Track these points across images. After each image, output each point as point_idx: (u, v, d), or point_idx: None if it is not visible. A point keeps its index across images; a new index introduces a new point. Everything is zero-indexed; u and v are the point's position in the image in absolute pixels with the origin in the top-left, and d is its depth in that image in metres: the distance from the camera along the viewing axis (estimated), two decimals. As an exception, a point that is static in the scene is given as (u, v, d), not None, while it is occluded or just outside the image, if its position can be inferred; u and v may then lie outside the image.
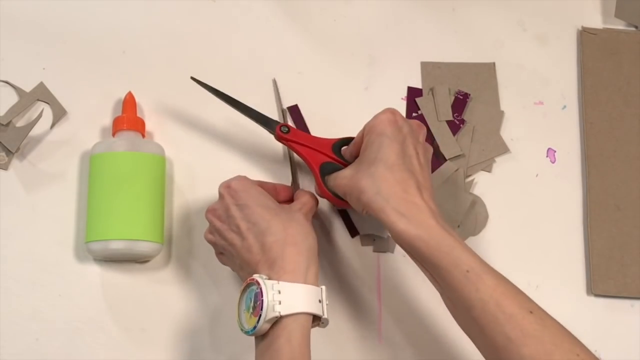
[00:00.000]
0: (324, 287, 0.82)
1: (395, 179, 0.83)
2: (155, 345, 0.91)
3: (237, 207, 0.85)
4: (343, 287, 0.95)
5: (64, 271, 0.92)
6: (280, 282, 0.79)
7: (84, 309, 0.91)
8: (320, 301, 0.81)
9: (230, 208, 0.86)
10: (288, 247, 0.82)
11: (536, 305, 0.78)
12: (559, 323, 0.78)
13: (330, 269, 0.95)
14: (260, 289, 0.78)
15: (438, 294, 0.95)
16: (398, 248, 0.97)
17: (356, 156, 0.89)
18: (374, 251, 0.97)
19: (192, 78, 0.94)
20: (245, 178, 0.88)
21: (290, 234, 0.82)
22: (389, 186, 0.82)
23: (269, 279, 0.80)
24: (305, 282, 0.80)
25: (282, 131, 0.92)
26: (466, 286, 0.78)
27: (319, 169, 0.91)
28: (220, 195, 0.87)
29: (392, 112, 0.87)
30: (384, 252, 0.97)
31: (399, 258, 0.97)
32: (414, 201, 0.82)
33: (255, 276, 0.80)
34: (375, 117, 0.87)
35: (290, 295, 0.79)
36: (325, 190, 0.90)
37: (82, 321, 0.91)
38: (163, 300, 0.92)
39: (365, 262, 0.96)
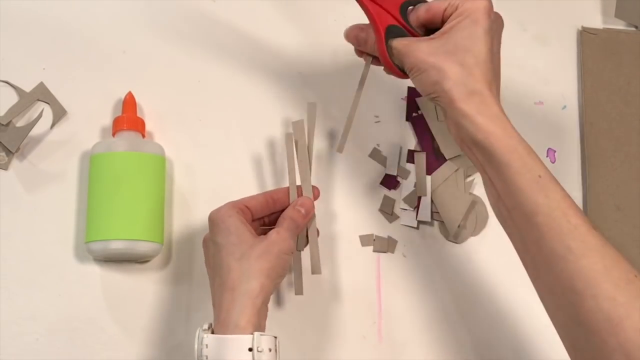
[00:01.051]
0: (257, 334, 0.78)
1: (484, 77, 0.80)
2: (155, 345, 0.91)
3: (212, 242, 0.85)
4: (343, 287, 0.95)
5: (64, 271, 0.92)
6: (208, 336, 0.79)
7: (84, 309, 0.91)
8: (250, 349, 0.77)
9: (208, 242, 0.86)
10: (225, 294, 0.81)
11: (596, 226, 0.77)
12: (614, 247, 0.76)
13: (331, 269, 0.95)
14: (195, 340, 0.80)
15: (438, 294, 0.96)
16: (398, 248, 0.97)
17: (426, 25, 0.85)
18: (374, 251, 0.97)
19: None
20: (226, 209, 0.85)
21: (231, 277, 0.81)
22: (475, 81, 0.79)
23: (208, 327, 0.80)
24: (234, 332, 0.78)
25: None
26: (535, 191, 0.77)
27: (384, 32, 0.83)
28: (206, 239, 0.88)
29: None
30: (384, 252, 0.97)
31: (399, 258, 0.97)
32: (493, 103, 0.80)
33: (200, 326, 0.81)
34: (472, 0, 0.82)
35: (214, 349, 0.78)
36: (388, 58, 0.84)
37: (82, 321, 0.91)
38: (163, 300, 0.92)
39: (365, 262, 0.96)
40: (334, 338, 0.93)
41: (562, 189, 0.78)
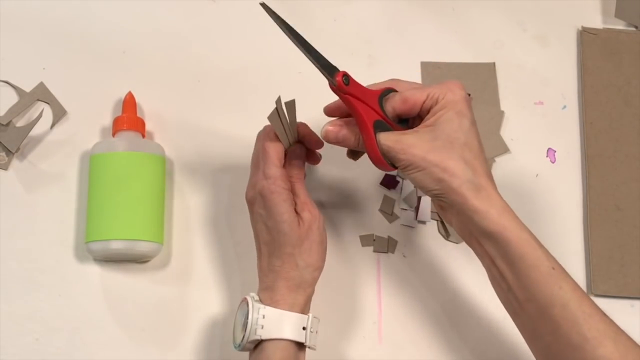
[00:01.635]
0: (311, 315, 0.83)
1: (483, 169, 0.81)
2: (155, 345, 0.91)
3: (260, 215, 0.85)
4: (343, 287, 0.95)
5: (64, 271, 0.92)
6: (266, 307, 0.82)
7: (84, 309, 0.91)
8: (304, 328, 0.82)
9: (256, 209, 0.86)
10: (280, 281, 0.84)
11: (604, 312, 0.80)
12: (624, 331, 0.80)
13: (331, 269, 0.95)
14: (248, 309, 0.82)
15: (438, 294, 0.96)
16: (398, 248, 0.97)
17: (401, 115, 0.84)
18: (374, 251, 0.97)
19: (262, 4, 0.82)
20: (281, 188, 0.85)
21: (285, 269, 0.84)
22: (479, 176, 0.81)
23: (259, 299, 0.83)
24: (290, 310, 0.83)
25: (344, 82, 0.81)
26: (550, 283, 0.78)
27: (372, 129, 0.82)
28: (255, 193, 0.86)
29: (463, 87, 0.84)
30: (384, 252, 0.97)
31: (399, 258, 0.97)
32: (498, 196, 0.81)
33: (248, 296, 0.83)
34: (451, 91, 0.83)
35: (272, 321, 0.82)
36: (381, 157, 0.82)
37: (82, 321, 0.91)
38: (163, 300, 0.92)
39: (365, 262, 0.96)
40: (334, 338, 0.93)
41: (572, 278, 0.80)
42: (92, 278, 0.92)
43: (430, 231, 0.98)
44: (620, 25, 1.07)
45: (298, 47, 0.82)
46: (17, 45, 0.98)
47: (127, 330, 0.91)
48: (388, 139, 0.82)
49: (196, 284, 0.93)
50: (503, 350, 0.95)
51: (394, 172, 0.85)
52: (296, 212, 0.85)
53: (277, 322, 0.82)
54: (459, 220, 0.83)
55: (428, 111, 0.83)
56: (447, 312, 0.95)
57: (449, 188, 0.80)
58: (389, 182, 0.99)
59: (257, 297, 0.84)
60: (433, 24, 1.05)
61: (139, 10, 1.01)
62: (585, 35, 1.06)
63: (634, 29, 1.07)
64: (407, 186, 0.99)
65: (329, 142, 0.86)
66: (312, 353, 0.87)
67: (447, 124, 0.81)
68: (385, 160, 0.82)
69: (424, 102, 0.83)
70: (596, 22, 1.07)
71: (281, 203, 0.84)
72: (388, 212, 0.98)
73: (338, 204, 0.97)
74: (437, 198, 0.82)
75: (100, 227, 0.90)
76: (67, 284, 0.91)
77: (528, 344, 0.82)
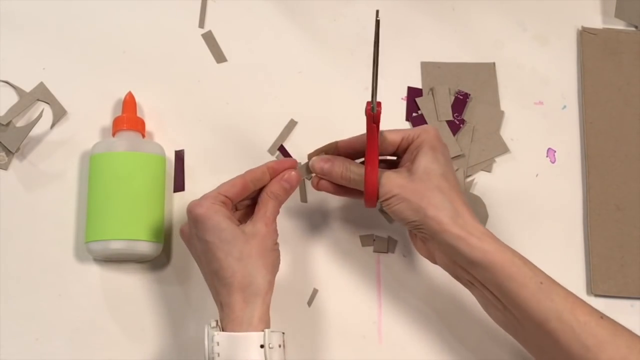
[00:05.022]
0: (267, 331, 0.80)
1: (460, 198, 0.84)
2: (155, 345, 0.91)
3: (198, 239, 0.84)
4: (343, 287, 0.95)
5: (64, 271, 0.92)
6: (219, 333, 0.80)
7: (84, 309, 0.91)
8: (262, 346, 0.79)
9: (193, 238, 0.85)
10: (234, 294, 0.81)
11: (599, 310, 0.81)
12: (622, 325, 0.80)
13: (331, 269, 0.95)
14: (205, 337, 0.81)
15: (437, 294, 0.96)
16: (398, 248, 0.97)
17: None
18: (374, 251, 0.97)
19: (378, 21, 0.83)
20: (210, 204, 0.83)
21: (237, 278, 0.82)
22: (456, 204, 0.83)
23: (216, 325, 0.81)
24: (247, 330, 0.80)
25: (372, 111, 0.82)
26: (541, 299, 0.80)
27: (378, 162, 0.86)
28: (188, 224, 0.86)
29: (436, 129, 0.88)
30: (384, 252, 0.97)
31: (399, 258, 0.97)
32: (476, 221, 0.84)
33: (207, 323, 0.81)
34: (425, 131, 0.86)
35: (227, 347, 0.79)
36: (377, 188, 0.85)
37: (82, 321, 0.91)
38: (163, 300, 0.92)
39: (365, 262, 0.96)
40: (334, 338, 0.93)
41: (562, 287, 0.81)
42: (92, 278, 0.92)
43: (430, 231, 0.98)
44: (620, 25, 1.07)
45: (374, 63, 0.84)
46: (17, 45, 0.98)
47: (127, 330, 0.91)
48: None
49: (196, 284, 0.93)
50: (503, 351, 0.95)
51: (375, 207, 0.88)
52: (252, 222, 0.85)
53: (232, 347, 0.79)
54: (441, 252, 0.85)
55: (404, 152, 0.87)
56: (447, 312, 0.95)
57: (428, 217, 0.83)
58: (389, 182, 0.99)
59: (214, 323, 0.82)
60: (433, 24, 1.05)
61: (138, 10, 1.01)
62: (585, 35, 1.06)
63: (634, 29, 1.07)
64: (407, 186, 0.99)
65: (312, 171, 0.89)
66: (312, 353, 0.87)
67: (422, 159, 0.85)
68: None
69: (400, 143, 0.87)
70: (596, 22, 1.07)
71: (213, 215, 0.83)
72: (388, 212, 0.98)
73: (338, 204, 0.97)
74: (418, 230, 0.85)
75: (100, 227, 0.90)
76: (67, 284, 0.91)
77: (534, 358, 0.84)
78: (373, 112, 0.82)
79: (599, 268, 0.97)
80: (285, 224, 0.95)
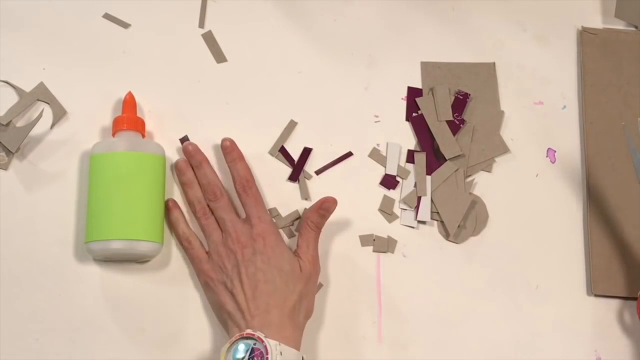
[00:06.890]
0: (304, 356, 0.86)
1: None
2: (155, 345, 0.91)
3: (261, 256, 0.89)
4: (343, 287, 0.95)
5: (64, 271, 0.92)
6: (281, 345, 0.83)
7: (84, 309, 0.91)
8: None
9: (256, 254, 0.89)
10: (285, 319, 0.87)
11: None
12: None
13: (331, 268, 0.95)
14: (265, 346, 0.83)
15: (437, 294, 0.96)
16: (398, 248, 0.97)
17: None
18: (374, 251, 0.97)
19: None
20: (276, 230, 0.91)
21: (288, 306, 0.87)
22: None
23: (266, 337, 0.84)
24: (297, 348, 0.86)
25: None
26: None
27: None
28: (249, 237, 0.90)
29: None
30: (384, 252, 0.97)
31: (399, 258, 0.97)
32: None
33: (257, 333, 0.84)
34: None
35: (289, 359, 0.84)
36: None
37: (82, 321, 0.91)
38: (163, 300, 0.92)
39: (365, 262, 0.96)
40: (334, 338, 0.93)
41: None
42: (92, 278, 0.92)
43: (430, 231, 0.98)
44: (620, 25, 1.07)
45: None
46: (17, 45, 0.98)
47: (127, 330, 0.91)
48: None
49: (196, 284, 0.93)
50: (503, 350, 0.95)
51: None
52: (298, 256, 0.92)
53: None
54: None
55: None
56: (447, 312, 0.95)
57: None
58: (389, 182, 0.99)
59: (263, 335, 0.85)
60: (433, 24, 1.05)
61: (138, 9, 1.01)
62: (585, 35, 1.06)
63: (634, 29, 1.07)
64: (407, 186, 0.99)
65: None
66: (313, 353, 0.87)
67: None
68: None
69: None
70: (596, 22, 1.07)
71: (282, 243, 0.90)
72: (388, 212, 0.98)
73: (338, 203, 0.97)
74: None
75: (100, 227, 0.90)
76: (67, 284, 0.91)
77: None
78: None
79: (599, 268, 0.97)
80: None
